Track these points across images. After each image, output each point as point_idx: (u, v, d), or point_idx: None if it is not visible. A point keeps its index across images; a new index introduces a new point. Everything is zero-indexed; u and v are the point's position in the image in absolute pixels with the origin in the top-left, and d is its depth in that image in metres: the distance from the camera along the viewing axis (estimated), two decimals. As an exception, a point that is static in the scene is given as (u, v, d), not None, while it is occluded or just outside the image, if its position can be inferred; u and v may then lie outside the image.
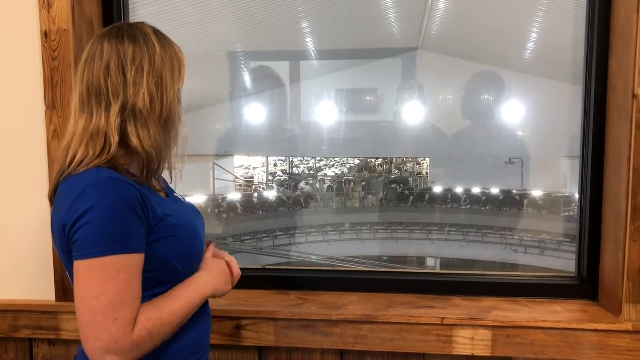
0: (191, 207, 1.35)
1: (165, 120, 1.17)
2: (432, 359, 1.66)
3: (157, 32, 1.21)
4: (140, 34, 1.17)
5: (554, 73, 1.98)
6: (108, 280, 1.05)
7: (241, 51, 2.20)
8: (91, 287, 1.05)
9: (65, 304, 1.71)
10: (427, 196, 2.25)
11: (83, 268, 1.05)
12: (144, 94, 1.13)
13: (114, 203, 1.06)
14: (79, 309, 1.06)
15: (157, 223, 1.14)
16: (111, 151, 1.12)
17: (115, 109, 1.13)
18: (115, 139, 1.12)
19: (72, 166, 1.13)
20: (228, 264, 1.32)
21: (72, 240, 1.07)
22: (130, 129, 1.13)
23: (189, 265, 1.22)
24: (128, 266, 1.06)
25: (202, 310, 1.26)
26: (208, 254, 1.31)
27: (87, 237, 1.05)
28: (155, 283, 1.15)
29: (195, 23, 2.06)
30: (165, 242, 1.15)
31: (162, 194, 1.26)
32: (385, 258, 1.95)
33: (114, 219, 1.06)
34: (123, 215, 1.06)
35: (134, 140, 1.13)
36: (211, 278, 1.25)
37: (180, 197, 1.36)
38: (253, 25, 2.15)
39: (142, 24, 1.22)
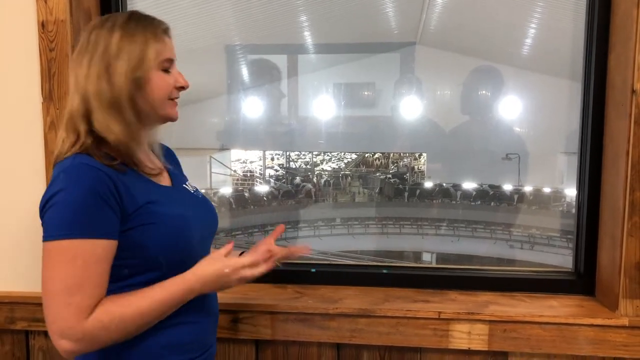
0: (198, 200, 1.32)
1: (118, 106, 1.14)
2: (428, 353, 1.67)
3: (134, 17, 1.19)
4: (111, 19, 1.18)
5: (553, 69, 1.98)
6: (64, 264, 1.05)
7: (239, 44, 2.19)
8: (50, 269, 1.06)
9: (61, 296, 1.70)
10: (418, 191, 2.25)
11: (45, 250, 1.07)
12: (95, 79, 1.14)
13: (80, 188, 1.07)
14: (42, 291, 1.08)
15: (135, 210, 1.12)
16: (81, 137, 1.13)
17: (78, 95, 1.15)
18: (81, 125, 1.14)
19: (59, 155, 1.15)
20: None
21: (41, 222, 1.09)
22: (93, 114, 1.14)
23: (172, 256, 1.17)
24: (87, 251, 1.06)
25: (198, 308, 1.23)
26: (223, 250, 1.23)
27: (51, 219, 1.07)
28: (133, 272, 1.14)
29: (193, 16, 2.05)
30: (143, 230, 1.13)
31: (160, 178, 1.25)
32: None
33: (77, 203, 1.06)
34: (87, 200, 1.07)
35: (96, 125, 1.14)
36: (202, 282, 1.17)
37: (190, 188, 1.34)
38: (251, 18, 2.14)
39: (131, 10, 1.23)
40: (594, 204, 1.73)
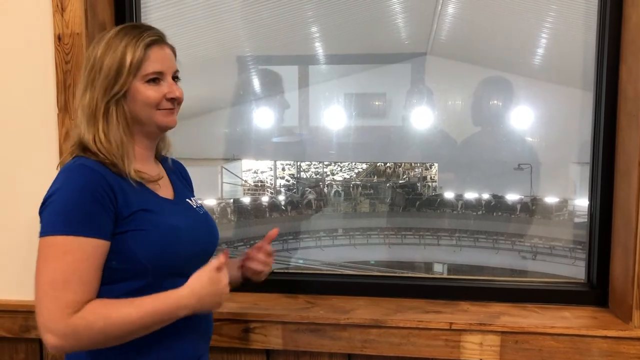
0: (198, 216, 1.31)
1: (95, 118, 1.18)
2: (440, 364, 1.66)
3: (122, 30, 1.20)
4: (104, 34, 1.21)
5: (564, 79, 1.98)
6: (54, 259, 1.08)
7: (250, 55, 2.21)
8: (41, 264, 1.10)
9: (74, 306, 1.71)
10: (418, 203, 2.26)
11: (39, 246, 1.11)
12: (82, 93, 1.19)
13: (75, 188, 1.11)
14: (34, 285, 1.11)
15: (129, 214, 1.14)
16: (76, 143, 1.19)
17: (77, 109, 1.22)
18: (76, 136, 1.21)
19: (62, 160, 1.23)
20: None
21: (40, 220, 1.14)
22: (80, 125, 1.20)
23: (159, 266, 1.17)
24: (78, 249, 1.08)
25: (176, 330, 1.19)
26: (214, 263, 1.18)
27: (46, 216, 1.12)
28: (119, 276, 1.14)
29: (205, 27, 2.07)
30: (134, 235, 1.14)
31: (160, 189, 1.25)
32: (372, 262, 1.96)
33: (70, 201, 1.10)
34: (81, 199, 1.10)
35: (82, 136, 1.19)
36: (195, 300, 1.15)
37: (193, 203, 1.33)
38: (262, 29, 2.16)
39: (127, 24, 1.26)
40: (607, 214, 1.72)
